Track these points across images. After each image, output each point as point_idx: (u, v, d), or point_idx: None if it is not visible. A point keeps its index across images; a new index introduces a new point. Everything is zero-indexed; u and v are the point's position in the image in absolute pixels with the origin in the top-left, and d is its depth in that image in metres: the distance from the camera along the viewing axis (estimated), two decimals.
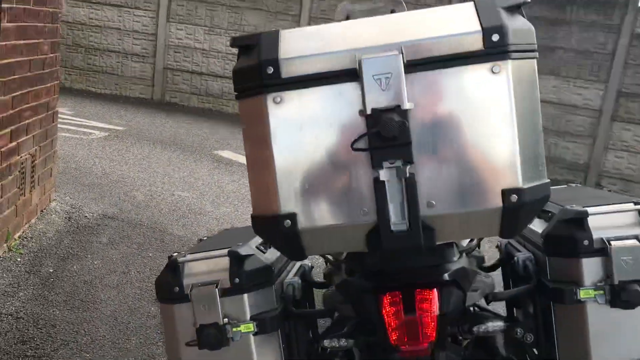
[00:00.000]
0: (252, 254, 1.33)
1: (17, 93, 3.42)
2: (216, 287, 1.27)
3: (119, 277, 3.40)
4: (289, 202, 0.98)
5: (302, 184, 0.97)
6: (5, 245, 3.48)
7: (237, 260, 1.30)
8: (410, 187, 0.93)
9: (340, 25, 1.03)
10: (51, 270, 3.40)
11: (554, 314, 1.32)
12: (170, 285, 1.32)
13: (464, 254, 1.35)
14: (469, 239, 1.48)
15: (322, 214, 0.98)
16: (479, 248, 1.55)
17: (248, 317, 1.28)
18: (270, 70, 0.95)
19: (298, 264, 1.61)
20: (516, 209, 0.95)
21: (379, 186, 0.94)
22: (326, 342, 1.31)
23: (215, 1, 8.92)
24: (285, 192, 0.97)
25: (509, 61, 0.91)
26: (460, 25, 0.93)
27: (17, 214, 3.65)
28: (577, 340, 1.29)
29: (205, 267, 1.32)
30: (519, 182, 0.95)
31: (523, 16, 0.98)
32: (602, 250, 1.26)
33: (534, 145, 0.98)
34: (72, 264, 3.50)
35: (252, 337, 1.28)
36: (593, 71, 7.38)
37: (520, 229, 1.04)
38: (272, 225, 1.00)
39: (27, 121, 3.64)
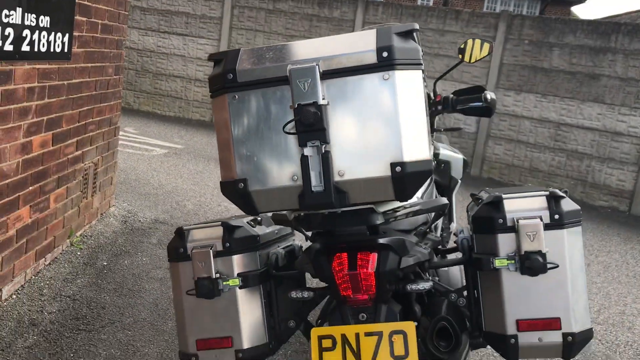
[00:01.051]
0: (241, 226, 1.69)
1: (84, 109, 3.96)
2: (211, 249, 1.64)
3: (163, 272, 3.83)
4: (242, 170, 1.34)
5: (251, 158, 1.32)
6: (68, 240, 3.99)
7: (228, 229, 1.66)
8: (325, 160, 1.27)
9: (280, 45, 1.39)
10: (105, 264, 3.87)
11: (479, 281, 1.61)
12: (177, 247, 1.69)
13: (412, 233, 1.66)
14: (425, 222, 1.79)
15: (265, 179, 1.33)
16: (431, 231, 1.85)
17: (235, 273, 1.63)
18: (230, 76, 1.32)
19: (290, 241, 1.95)
20: (401, 177, 1.26)
21: (303, 159, 1.28)
22: (293, 294, 1.65)
23: (273, 31, 9.48)
24: (239, 163, 1.33)
25: (395, 71, 1.24)
26: (363, 45, 1.27)
27: (80, 214, 4.17)
28: (495, 301, 1.57)
29: (204, 234, 1.69)
30: (402, 157, 1.26)
31: (414, 40, 1.31)
32: (513, 227, 1.54)
33: (417, 130, 1.28)
34: (123, 259, 3.97)
35: (237, 290, 1.63)
36: (638, 99, 7.42)
37: (409, 194, 1.33)
38: (232, 188, 1.36)
39: (91, 134, 4.16)
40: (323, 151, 1.26)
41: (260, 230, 1.77)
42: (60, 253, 3.89)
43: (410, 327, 1.52)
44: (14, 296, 3.26)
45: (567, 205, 1.55)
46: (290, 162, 1.29)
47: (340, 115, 1.26)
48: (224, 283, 1.63)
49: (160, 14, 10.05)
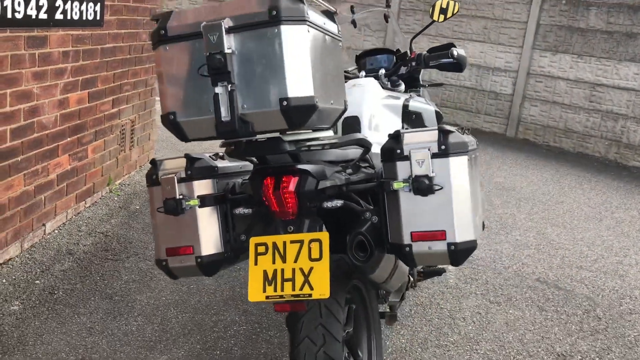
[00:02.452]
0: (201, 158, 2.08)
1: (118, 70, 4.44)
2: (175, 175, 2.04)
3: None
4: (172, 105, 1.71)
5: (179, 95, 1.70)
6: (107, 187, 4.53)
7: (190, 160, 2.05)
8: (230, 97, 1.62)
9: (201, 7, 1.73)
10: (137, 207, 4.39)
11: (386, 201, 1.93)
12: (151, 175, 2.10)
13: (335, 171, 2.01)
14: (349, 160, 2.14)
15: (189, 112, 1.70)
16: (366, 164, 2.18)
17: (195, 195, 2.03)
18: (162, 32, 1.69)
19: None
20: (287, 110, 1.59)
21: (215, 97, 1.64)
22: (236, 211, 2.03)
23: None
24: (170, 100, 1.71)
25: (282, 26, 1.57)
26: (259, 6, 1.60)
27: (118, 165, 4.69)
28: (396, 218, 1.88)
29: (172, 164, 2.09)
30: (287, 93, 1.59)
31: (302, 2, 1.62)
32: (407, 156, 1.85)
33: (301, 73, 1.59)
34: None
35: (197, 209, 2.03)
36: None
37: (297, 123, 1.65)
38: (166, 119, 1.74)
39: (126, 93, 4.65)
40: (229, 90, 1.62)
41: (220, 163, 2.16)
42: (100, 198, 4.43)
43: (324, 236, 1.88)
44: (56, 231, 3.82)
45: (455, 138, 1.84)
46: (207, 98, 1.66)
47: (243, 61, 1.61)
48: (186, 203, 2.02)
49: None
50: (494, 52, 8.53)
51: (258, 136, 1.72)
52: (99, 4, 3.95)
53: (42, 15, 3.31)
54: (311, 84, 1.59)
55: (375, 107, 2.84)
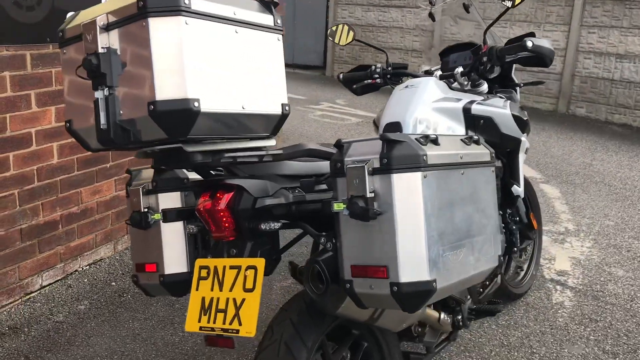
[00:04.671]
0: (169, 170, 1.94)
1: None
2: (141, 187, 1.92)
3: None
4: (69, 112, 1.56)
5: (73, 101, 1.54)
6: None
7: (157, 171, 1.92)
8: (107, 102, 1.43)
9: (96, 6, 1.54)
10: None
11: (335, 224, 1.57)
12: (127, 185, 2.01)
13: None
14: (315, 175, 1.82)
15: (82, 120, 1.51)
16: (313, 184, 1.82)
17: (159, 209, 1.89)
18: (60, 34, 1.56)
19: None
20: (156, 115, 1.33)
21: (95, 102, 1.47)
22: (188, 228, 1.82)
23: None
24: (67, 105, 1.56)
25: (149, 18, 1.34)
26: (128, 1, 1.40)
27: None
28: (340, 247, 1.53)
29: (144, 175, 1.97)
30: (155, 97, 1.35)
31: None
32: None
33: (172, 72, 1.32)
34: None
35: (161, 223, 1.89)
36: None
37: (175, 133, 1.38)
38: (66, 127, 1.60)
39: None
40: (107, 94, 1.44)
41: (192, 175, 2.00)
42: None
43: (260, 262, 1.61)
44: None
45: (402, 149, 1.45)
46: (91, 104, 1.50)
47: (119, 61, 1.42)
48: (151, 217, 1.90)
49: None
50: (540, 32, 8.45)
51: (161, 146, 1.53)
52: None
53: None
54: (185, 84, 1.35)
55: (424, 112, 2.44)
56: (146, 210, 1.91)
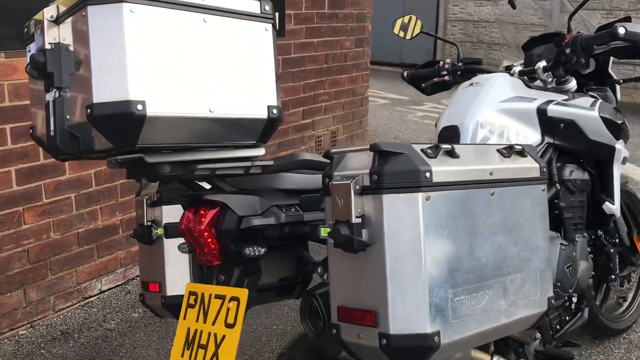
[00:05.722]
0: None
1: (310, 81, 4.31)
2: (145, 198, 1.74)
3: None
4: (33, 117, 1.40)
5: (34, 105, 1.38)
6: None
7: (164, 182, 1.74)
8: (54, 105, 1.24)
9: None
10: None
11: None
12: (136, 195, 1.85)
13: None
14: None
15: (43, 124, 1.35)
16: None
17: (162, 223, 1.71)
18: (24, 34, 1.39)
19: None
20: (93, 120, 1.10)
21: (46, 105, 1.29)
22: (181, 247, 1.61)
23: None
24: (32, 110, 1.40)
25: (88, 7, 1.11)
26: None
27: None
28: (330, 280, 1.25)
29: (152, 186, 1.80)
30: (92, 99, 1.11)
31: None
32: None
33: (113, 70, 1.10)
34: None
35: (164, 239, 1.71)
36: None
37: (118, 141, 1.14)
38: (30, 134, 1.43)
39: (323, 104, 4.50)
40: (57, 96, 1.25)
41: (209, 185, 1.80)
42: None
43: (243, 294, 1.37)
44: None
45: (398, 163, 1.13)
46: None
47: (72, 58, 1.22)
48: (155, 231, 1.73)
49: None
50: None
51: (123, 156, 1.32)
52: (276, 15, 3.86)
53: None
54: (127, 84, 1.12)
55: (488, 114, 2.09)
56: (150, 223, 1.74)
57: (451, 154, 1.22)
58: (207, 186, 1.64)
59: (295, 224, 1.45)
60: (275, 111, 1.34)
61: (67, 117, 1.24)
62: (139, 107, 1.13)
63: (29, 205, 2.77)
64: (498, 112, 2.09)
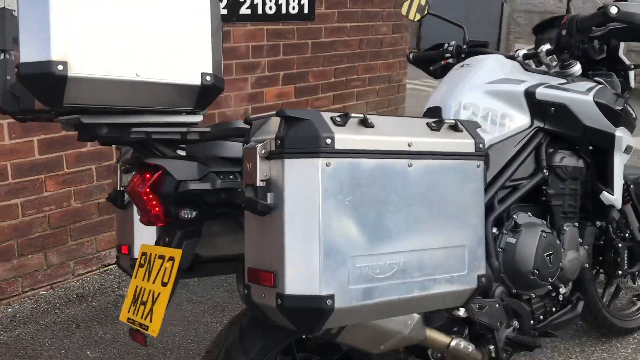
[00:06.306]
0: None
1: (342, 66, 4.32)
2: (120, 166, 1.82)
3: None
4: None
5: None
6: None
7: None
8: (0, 66, 1.32)
9: None
10: None
11: None
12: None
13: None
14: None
15: None
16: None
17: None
18: None
19: None
20: (23, 79, 1.18)
21: None
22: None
23: None
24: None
25: None
26: None
27: None
28: (245, 242, 1.30)
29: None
30: (20, 57, 1.19)
31: None
32: None
33: (38, 29, 1.15)
34: None
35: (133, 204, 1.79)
36: None
37: (47, 101, 1.19)
38: None
39: (355, 89, 4.50)
40: (2, 57, 1.33)
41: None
42: None
43: (177, 254, 1.42)
44: None
45: (300, 129, 1.14)
46: None
47: (17, 22, 1.28)
48: (127, 197, 1.82)
49: None
50: None
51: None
52: None
53: (222, 11, 3.45)
54: (49, 44, 1.17)
55: (472, 95, 2.05)
56: (122, 189, 1.83)
57: (364, 123, 1.23)
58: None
59: (231, 191, 1.49)
60: (209, 78, 1.36)
61: (8, 77, 1.34)
62: (60, 67, 1.18)
63: (51, 173, 2.95)
64: (483, 93, 2.05)
